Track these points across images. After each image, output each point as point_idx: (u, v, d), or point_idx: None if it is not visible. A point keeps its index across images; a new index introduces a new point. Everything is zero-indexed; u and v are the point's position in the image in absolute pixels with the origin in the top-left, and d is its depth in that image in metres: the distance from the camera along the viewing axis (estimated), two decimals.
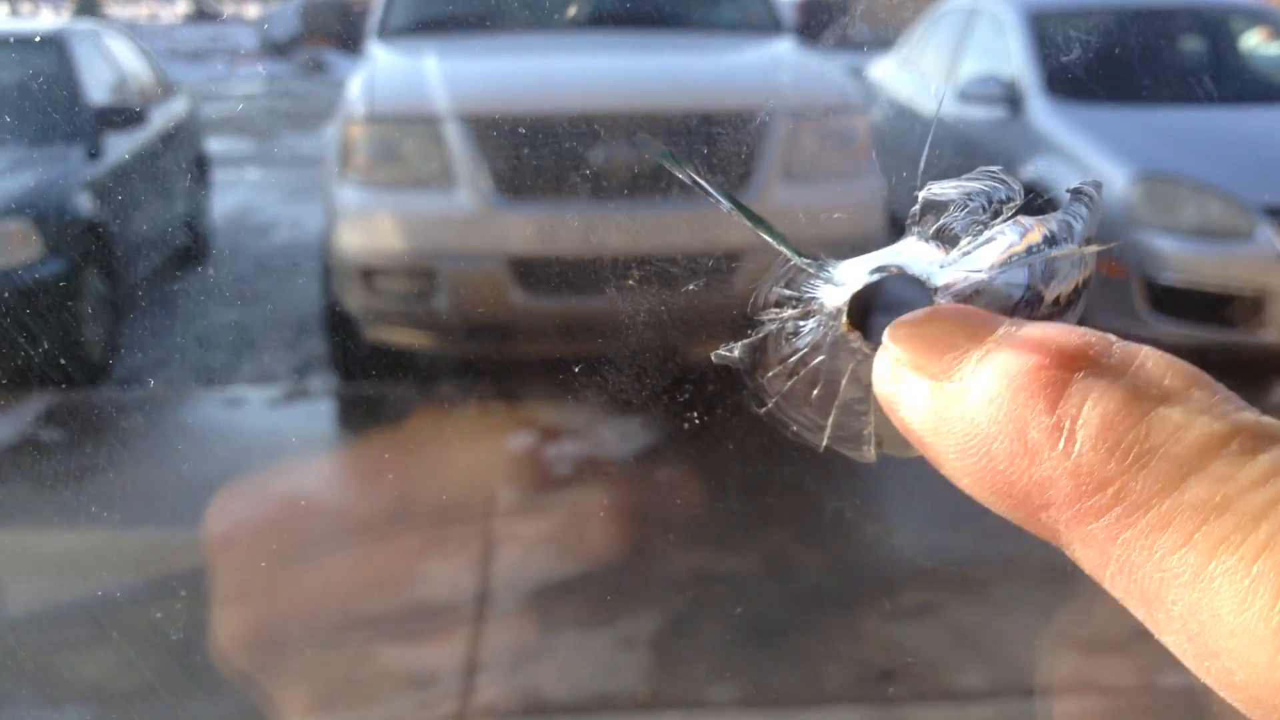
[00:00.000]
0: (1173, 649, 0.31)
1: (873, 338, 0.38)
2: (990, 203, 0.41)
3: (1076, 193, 0.41)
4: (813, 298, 0.40)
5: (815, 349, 0.40)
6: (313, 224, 4.62)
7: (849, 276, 0.39)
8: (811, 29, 4.74)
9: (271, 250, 5.39)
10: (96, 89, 4.75)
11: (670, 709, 2.61)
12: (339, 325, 3.97)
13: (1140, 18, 5.67)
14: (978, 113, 5.36)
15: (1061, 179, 4.74)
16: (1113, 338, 0.34)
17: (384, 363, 3.86)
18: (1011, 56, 5.28)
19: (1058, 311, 0.40)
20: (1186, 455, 0.31)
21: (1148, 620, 0.31)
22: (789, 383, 0.41)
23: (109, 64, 5.02)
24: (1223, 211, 4.45)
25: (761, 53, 4.68)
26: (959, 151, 5.59)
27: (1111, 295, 4.52)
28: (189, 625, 2.60)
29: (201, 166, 5.53)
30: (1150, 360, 0.33)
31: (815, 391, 0.41)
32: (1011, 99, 5.13)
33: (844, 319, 0.39)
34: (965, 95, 5.45)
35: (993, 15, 5.64)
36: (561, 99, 3.98)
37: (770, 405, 0.42)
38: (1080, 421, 0.32)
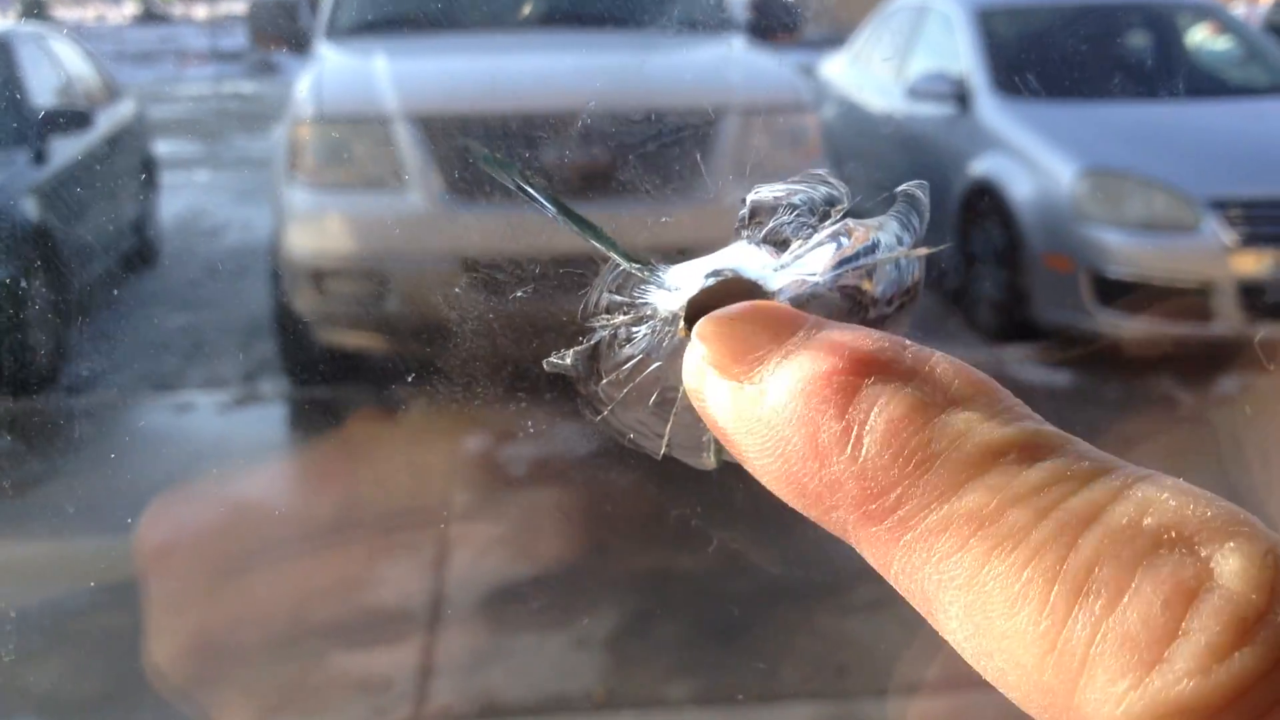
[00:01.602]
0: (953, 644, 0.32)
1: None
2: (817, 204, 0.41)
3: (903, 195, 0.42)
4: (645, 303, 0.40)
5: (650, 355, 0.40)
6: (263, 226, 4.58)
7: (682, 281, 0.39)
8: (762, 27, 4.75)
9: (221, 253, 5.35)
10: (42, 92, 4.69)
11: (626, 708, 2.61)
12: (290, 328, 3.94)
13: (1088, 14, 5.74)
14: (927, 110, 5.40)
15: (1012, 175, 4.78)
16: (907, 342, 0.35)
17: (336, 365, 3.84)
18: (960, 54, 5.32)
19: (891, 313, 0.40)
20: (965, 463, 0.32)
21: (929, 618, 0.33)
22: (624, 390, 0.41)
23: (54, 67, 4.96)
24: (1169, 205, 4.50)
25: (712, 51, 4.68)
26: (909, 149, 5.63)
27: (1059, 289, 4.56)
28: (141, 634, 2.57)
29: (149, 169, 5.48)
30: (940, 366, 0.34)
31: (651, 399, 0.40)
32: (960, 96, 5.17)
33: (681, 324, 0.39)
34: (915, 92, 5.49)
35: (942, 13, 5.67)
36: (512, 99, 3.97)
37: (605, 413, 0.41)
38: (867, 427, 0.33)
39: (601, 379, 0.41)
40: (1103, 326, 4.44)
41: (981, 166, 4.93)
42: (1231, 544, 0.29)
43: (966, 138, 5.09)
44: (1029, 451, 0.32)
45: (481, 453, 3.44)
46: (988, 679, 0.31)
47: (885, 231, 0.40)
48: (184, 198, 6.18)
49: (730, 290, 0.38)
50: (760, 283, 0.38)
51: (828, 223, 0.40)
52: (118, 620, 2.73)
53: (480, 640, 2.80)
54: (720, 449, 0.40)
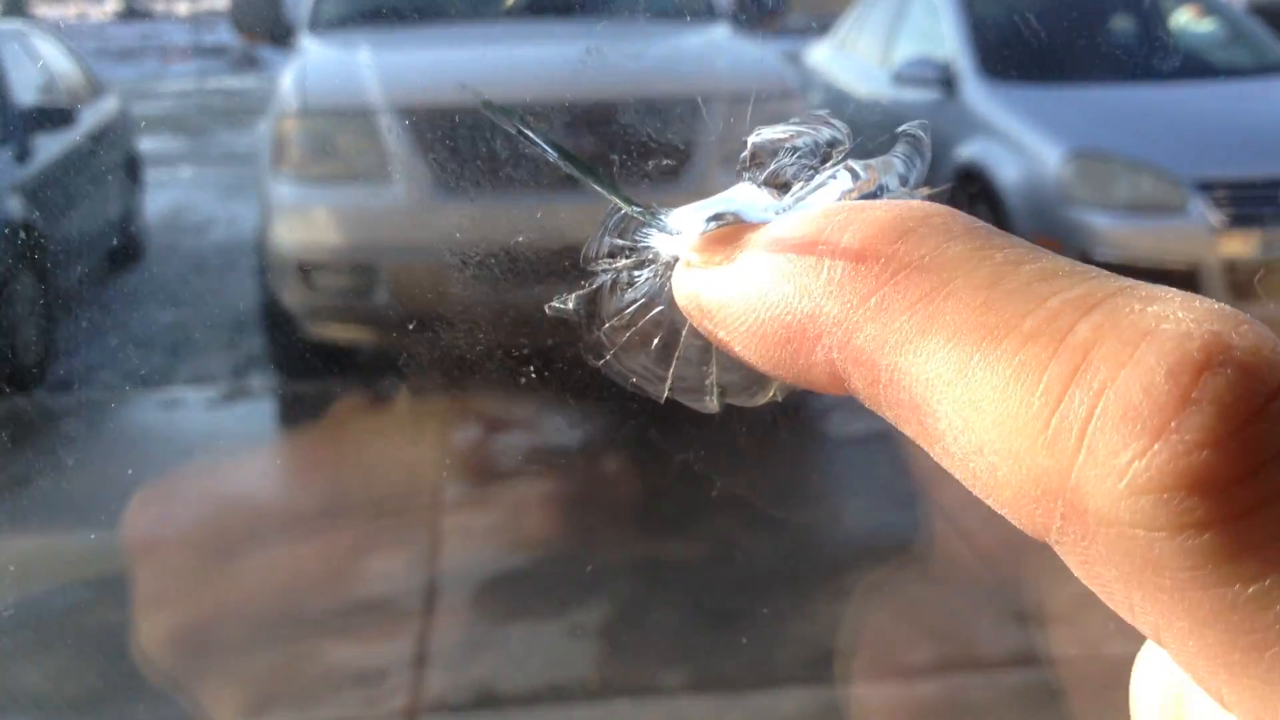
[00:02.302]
0: (941, 459, 0.31)
1: None
2: (819, 146, 0.41)
3: (905, 135, 0.41)
4: (647, 247, 0.40)
5: (652, 299, 0.40)
6: (249, 221, 4.57)
7: (683, 224, 0.38)
8: (747, 14, 4.75)
9: (207, 249, 5.33)
10: (24, 90, 4.67)
11: (621, 696, 2.61)
12: (278, 323, 3.93)
13: None
14: (913, 95, 5.40)
15: (999, 160, 4.79)
16: (882, 199, 0.34)
17: (324, 359, 3.83)
18: (945, 38, 5.32)
19: None
20: (948, 262, 0.30)
21: (920, 434, 0.31)
22: (626, 334, 0.40)
23: (36, 64, 4.94)
24: (1155, 187, 4.51)
25: (698, 39, 4.68)
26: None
27: None
28: (131, 631, 2.57)
29: (134, 166, 5.45)
30: (914, 201, 0.34)
31: (654, 342, 0.40)
32: (946, 80, 5.17)
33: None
34: (900, 78, 5.49)
35: None
36: (498, 89, 3.96)
37: (608, 357, 0.41)
38: (840, 248, 0.32)
39: (604, 323, 0.41)
40: None
41: (968, 151, 4.93)
42: (1244, 326, 0.27)
43: (953, 122, 5.09)
44: (1016, 254, 0.31)
45: (472, 443, 3.43)
46: (976, 489, 0.30)
47: (887, 172, 0.40)
48: (169, 194, 6.16)
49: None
50: (762, 223, 0.38)
51: (829, 164, 0.40)
52: (108, 617, 2.73)
53: (474, 630, 2.79)
54: (723, 391, 0.40)
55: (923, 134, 0.41)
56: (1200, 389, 0.26)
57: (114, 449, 3.65)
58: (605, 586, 2.90)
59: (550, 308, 0.41)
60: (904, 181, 0.40)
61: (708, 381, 0.40)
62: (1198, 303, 0.28)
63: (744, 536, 3.11)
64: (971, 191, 4.90)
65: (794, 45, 6.52)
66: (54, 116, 4.73)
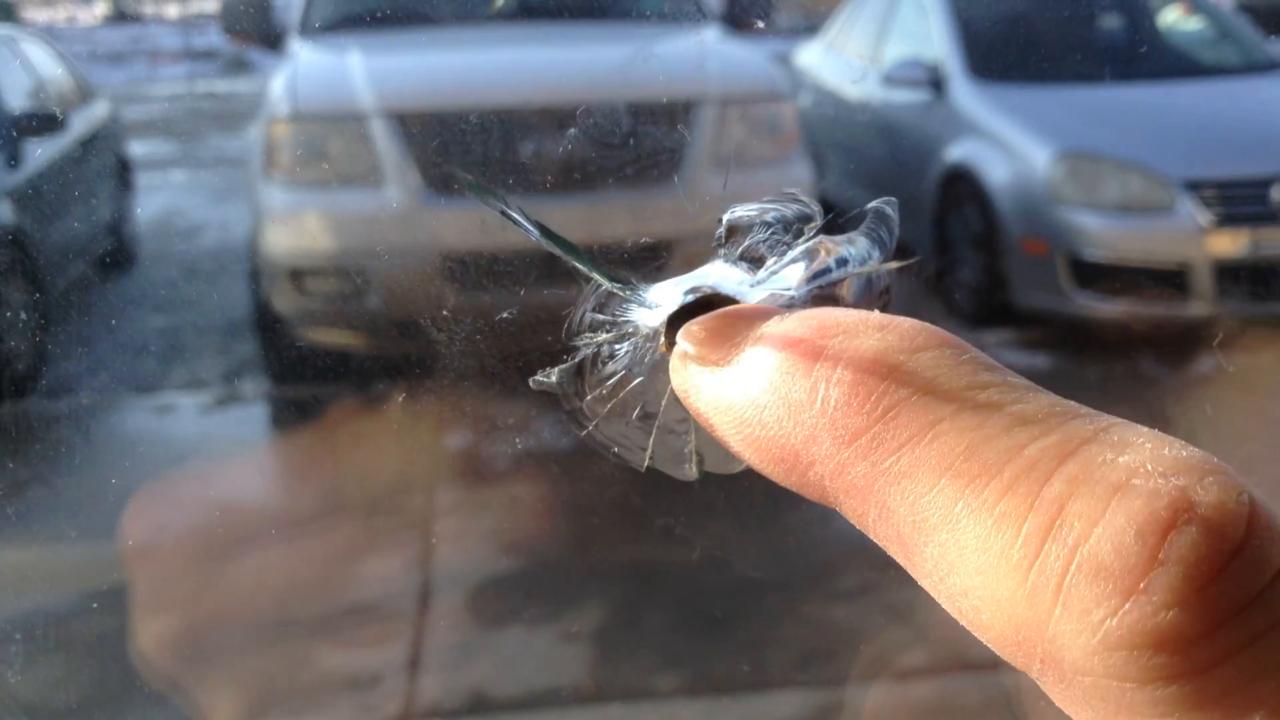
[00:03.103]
0: (929, 590, 0.32)
1: None
2: (791, 222, 0.42)
3: (873, 211, 0.43)
4: (627, 321, 0.41)
5: (632, 371, 0.41)
6: (240, 226, 4.56)
7: (661, 298, 0.40)
8: (736, 16, 4.75)
9: (199, 253, 5.32)
10: (13, 95, 4.66)
11: (615, 700, 2.61)
12: (270, 328, 3.93)
13: None
14: (903, 96, 5.41)
15: (988, 160, 4.80)
16: (876, 314, 0.35)
17: (317, 364, 3.83)
18: (934, 39, 5.33)
19: None
20: (935, 404, 0.32)
21: (907, 565, 0.33)
22: (608, 406, 0.42)
23: (26, 69, 4.93)
24: (1144, 187, 4.53)
25: (687, 42, 4.68)
26: (885, 135, 5.64)
27: (1037, 273, 4.58)
28: (126, 638, 2.57)
29: (124, 170, 5.45)
30: (906, 324, 0.35)
31: (634, 413, 0.41)
32: (935, 81, 5.18)
33: (661, 340, 0.40)
34: (890, 79, 5.50)
35: None
36: (489, 93, 3.96)
37: (590, 428, 0.42)
38: (834, 379, 0.33)
39: (586, 395, 0.42)
40: (1080, 309, 4.47)
41: (958, 152, 4.94)
42: (1210, 479, 0.29)
43: (942, 123, 5.10)
44: (1000, 392, 0.32)
45: (466, 447, 3.44)
46: (963, 622, 0.31)
47: (856, 246, 0.42)
48: (160, 198, 6.15)
49: (708, 305, 0.39)
50: (737, 297, 0.39)
51: (801, 239, 0.42)
52: (103, 625, 2.73)
53: (468, 634, 2.80)
54: (701, 460, 0.41)
55: (890, 210, 0.42)
56: (1167, 549, 0.28)
57: (106, 455, 3.65)
58: (598, 590, 2.90)
59: (534, 381, 0.42)
60: (871, 255, 0.41)
61: (687, 450, 0.41)
62: (1168, 450, 0.30)
63: (737, 539, 3.12)
64: (961, 192, 4.92)
65: (783, 46, 6.52)
66: (44, 121, 4.72)
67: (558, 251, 0.39)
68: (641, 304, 0.40)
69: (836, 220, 0.43)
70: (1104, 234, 4.46)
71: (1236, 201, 4.41)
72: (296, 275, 3.75)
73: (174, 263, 5.18)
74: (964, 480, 0.30)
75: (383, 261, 3.71)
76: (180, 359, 4.28)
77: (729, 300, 0.39)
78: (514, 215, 0.39)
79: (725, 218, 0.42)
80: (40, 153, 4.45)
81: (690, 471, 0.42)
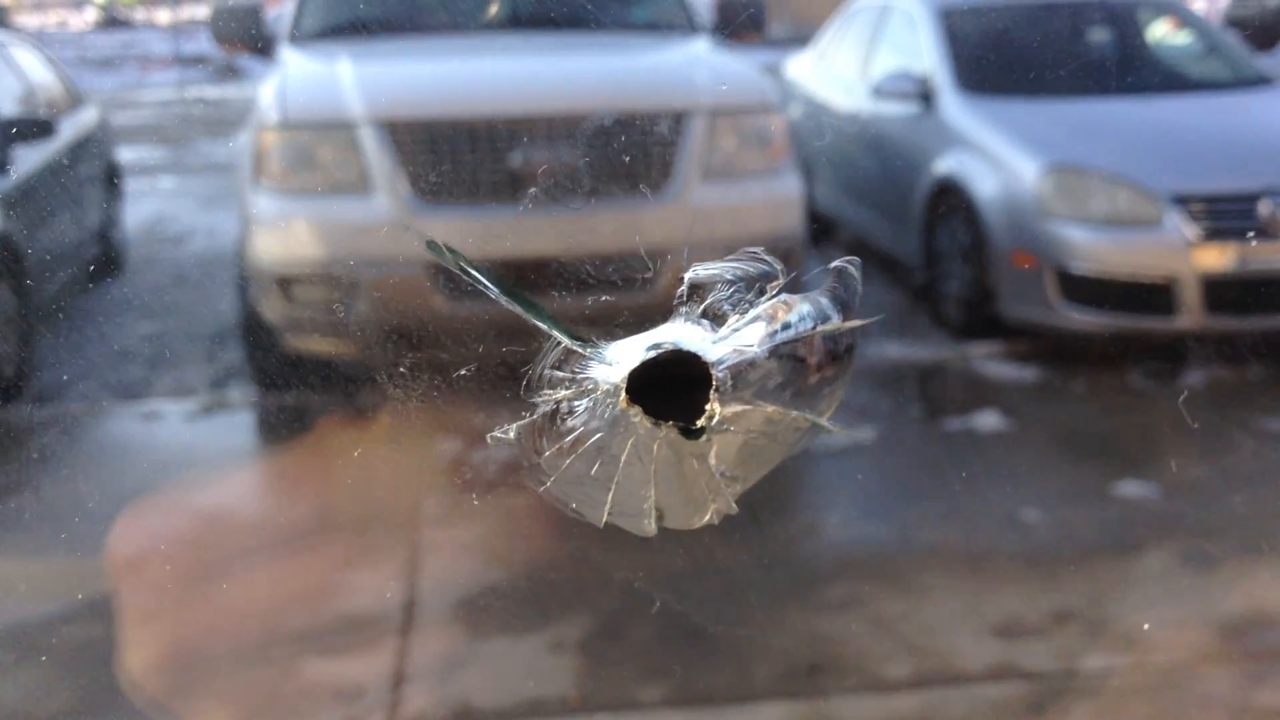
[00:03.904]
0: None
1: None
2: (753, 280, 0.42)
3: (835, 270, 0.43)
4: (586, 378, 0.41)
5: (592, 427, 0.41)
6: (229, 233, 4.56)
7: (621, 355, 0.40)
8: (727, 27, 4.76)
9: (187, 260, 5.31)
10: (3, 100, 4.66)
11: (600, 711, 2.61)
12: (257, 335, 3.92)
13: (1049, 12, 5.78)
14: (892, 109, 5.42)
15: (977, 173, 4.81)
16: None
17: (304, 372, 3.82)
18: (924, 52, 5.35)
19: (825, 381, 0.41)
20: None
21: None
22: (567, 461, 0.42)
23: (15, 75, 4.93)
24: (1132, 201, 4.54)
25: (678, 53, 4.69)
26: (874, 147, 5.65)
27: (1025, 286, 4.59)
28: (110, 647, 2.56)
29: (113, 176, 5.44)
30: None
31: (594, 469, 0.42)
32: (924, 94, 5.20)
33: (623, 396, 0.40)
34: (879, 91, 5.51)
35: (905, 12, 5.71)
36: (478, 102, 3.96)
37: (548, 484, 0.43)
38: None
39: (545, 450, 0.43)
40: (1068, 322, 4.48)
41: (946, 164, 4.96)
42: None
43: (931, 136, 5.12)
44: None
45: (452, 457, 3.43)
46: None
47: (817, 305, 0.42)
48: (149, 204, 6.14)
49: (670, 362, 0.40)
50: (699, 354, 0.39)
51: (763, 298, 0.42)
52: (86, 633, 2.72)
53: (454, 645, 2.79)
54: (661, 515, 0.41)
55: (853, 269, 0.42)
56: None
57: (92, 461, 3.64)
58: (584, 601, 2.90)
59: (492, 437, 0.42)
60: (833, 314, 0.41)
61: (646, 505, 0.41)
62: None
63: (722, 551, 3.12)
64: (950, 205, 4.93)
65: (774, 57, 6.54)
66: (33, 127, 4.72)
67: (518, 310, 0.40)
68: (601, 361, 0.40)
69: (798, 279, 0.43)
70: (1092, 247, 4.48)
71: (1223, 216, 4.43)
72: (285, 283, 3.74)
73: (162, 269, 5.17)
74: None
75: (370, 269, 3.70)
76: (167, 366, 4.27)
77: (690, 357, 0.39)
78: (474, 274, 0.40)
79: (687, 276, 0.42)
80: (29, 158, 4.44)
81: (649, 527, 0.42)
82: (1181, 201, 4.41)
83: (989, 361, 4.62)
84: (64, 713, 2.51)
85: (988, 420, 4.05)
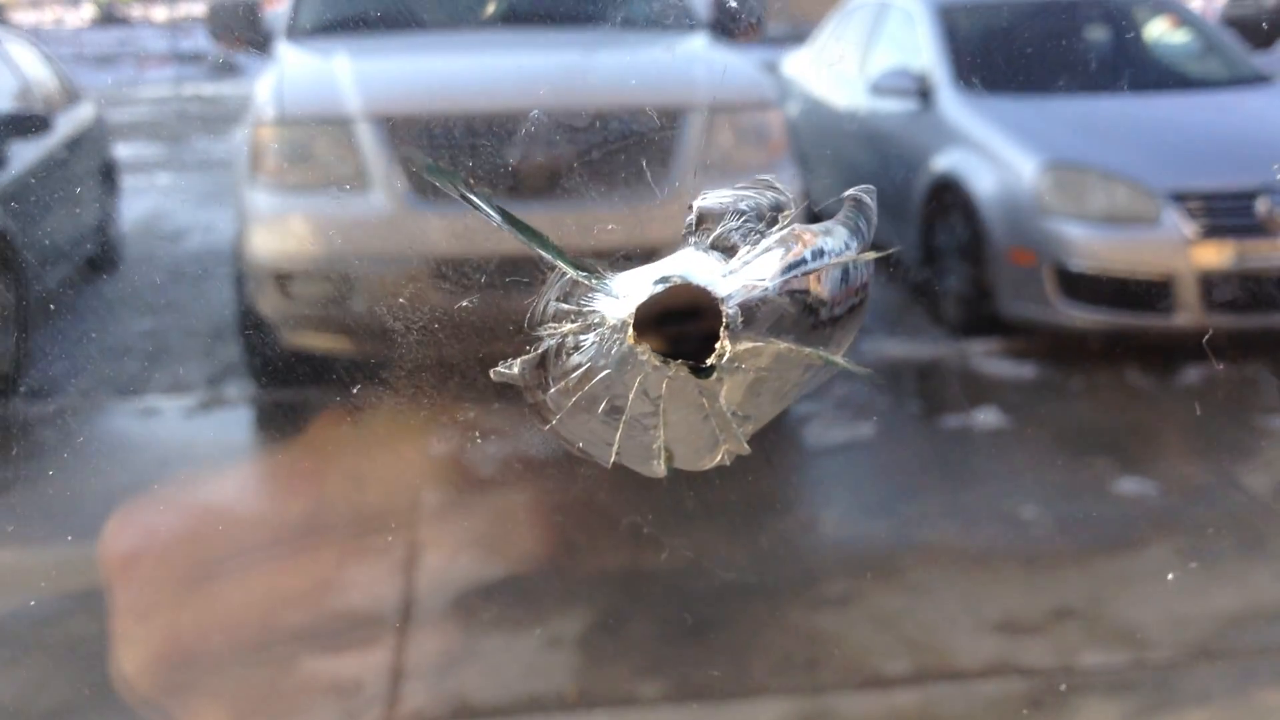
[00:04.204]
0: None
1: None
2: (764, 211, 0.41)
3: (851, 200, 0.42)
4: (593, 311, 0.40)
5: (598, 363, 0.40)
6: (226, 229, 4.55)
7: (629, 288, 0.38)
8: (725, 24, 4.75)
9: (184, 256, 5.30)
10: None
11: (598, 707, 2.61)
12: (254, 331, 3.91)
13: (1047, 9, 5.77)
14: (890, 105, 5.42)
15: (975, 170, 4.81)
16: None
17: (301, 368, 3.81)
18: (922, 49, 5.35)
19: (841, 314, 0.40)
20: None
21: None
22: (573, 399, 0.40)
23: (11, 70, 4.91)
24: (1130, 198, 4.54)
25: (676, 49, 4.68)
26: (872, 145, 5.65)
27: (1023, 283, 4.59)
28: (105, 642, 2.55)
29: (110, 173, 5.43)
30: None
31: (601, 407, 0.40)
32: (923, 91, 5.19)
33: (630, 332, 0.38)
34: (877, 88, 5.51)
35: (903, 9, 5.70)
36: (476, 98, 3.95)
37: (554, 422, 0.41)
38: None
39: (550, 388, 0.41)
40: (1066, 319, 4.48)
41: (944, 161, 4.95)
42: None
43: (929, 133, 5.11)
44: None
45: (450, 454, 3.43)
46: None
47: (832, 237, 0.40)
48: (145, 201, 6.13)
49: (679, 296, 0.38)
50: (709, 288, 0.38)
51: (775, 228, 0.41)
52: (81, 628, 2.71)
53: (451, 641, 2.79)
54: (671, 456, 0.40)
55: (868, 199, 0.41)
56: None
57: (89, 457, 3.63)
58: (583, 597, 2.90)
59: (495, 372, 0.41)
60: (848, 246, 0.40)
61: (655, 446, 0.40)
62: None
63: (721, 547, 3.11)
64: (948, 202, 4.92)
65: (772, 54, 6.53)
66: (29, 123, 4.71)
67: (521, 238, 0.39)
68: (608, 294, 0.39)
69: (811, 209, 0.42)
70: (1090, 244, 4.47)
71: (1222, 213, 4.43)
72: (282, 279, 3.73)
73: (159, 265, 5.16)
74: None
75: (368, 265, 3.70)
76: (164, 362, 4.27)
77: (700, 291, 0.38)
78: (475, 200, 0.39)
79: (695, 204, 0.41)
80: (26, 154, 4.43)
81: (658, 468, 0.41)
82: (1180, 199, 4.41)
83: (987, 358, 4.62)
84: (58, 709, 2.51)
85: (986, 417, 4.05)
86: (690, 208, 0.40)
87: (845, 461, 3.75)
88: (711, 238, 0.39)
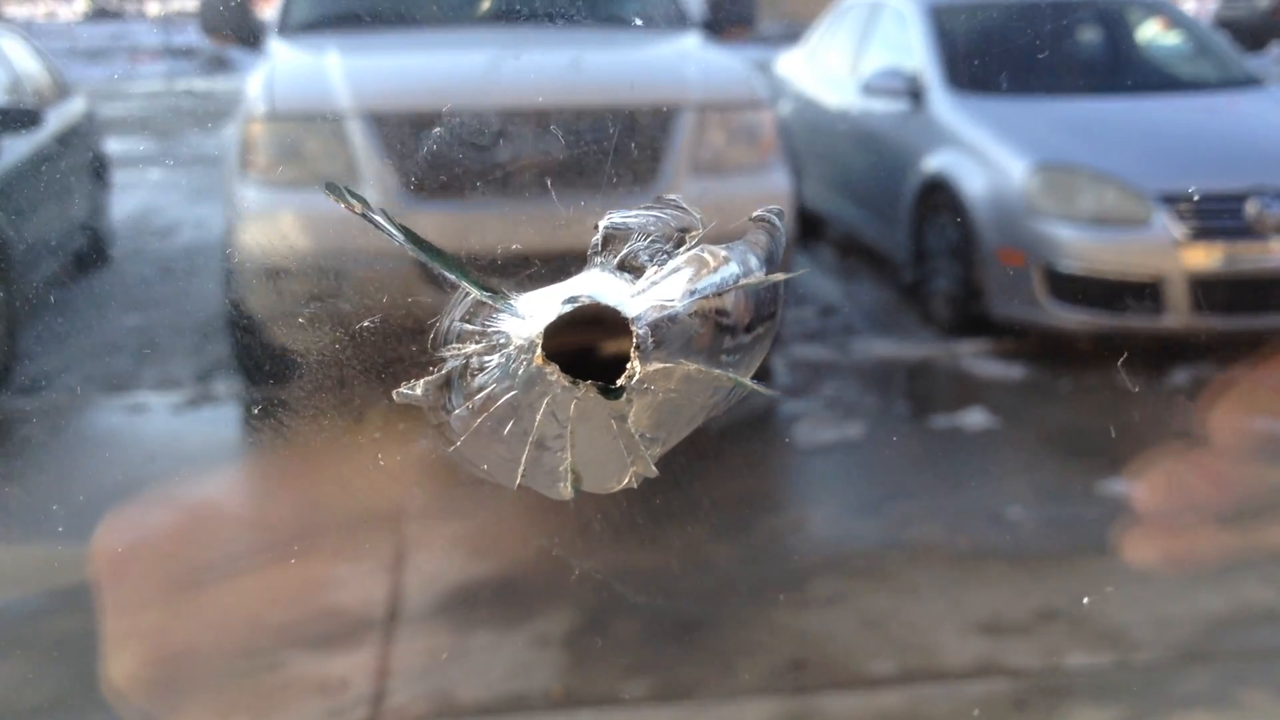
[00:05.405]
0: None
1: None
2: (672, 231, 0.41)
3: (759, 220, 0.42)
4: (498, 331, 0.40)
5: (503, 384, 0.40)
6: (216, 225, 4.54)
7: (535, 308, 0.38)
8: (717, 23, 4.75)
9: (174, 252, 5.29)
10: None
11: (584, 707, 2.61)
12: (244, 328, 3.90)
13: (1040, 10, 5.78)
14: (881, 106, 5.42)
15: (965, 171, 4.81)
16: None
17: (290, 365, 3.80)
18: (914, 50, 5.35)
19: (752, 337, 0.40)
20: None
21: None
22: (477, 420, 0.40)
23: (2, 64, 4.90)
24: (1120, 199, 4.55)
25: (668, 48, 4.68)
26: (863, 145, 5.65)
27: (1013, 284, 4.60)
28: (93, 638, 2.54)
29: (100, 167, 5.41)
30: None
31: (507, 429, 0.40)
32: (914, 92, 5.20)
33: (538, 353, 0.38)
34: (869, 88, 5.51)
35: (895, 9, 5.70)
36: (467, 95, 3.95)
37: (458, 444, 0.41)
38: None
39: (454, 409, 0.41)
40: (1055, 320, 4.48)
41: (935, 162, 4.96)
42: None
43: (920, 133, 5.12)
44: None
45: (438, 453, 3.42)
46: None
47: (741, 258, 0.40)
48: (136, 196, 6.12)
49: (587, 316, 0.38)
50: (617, 308, 0.38)
51: (683, 249, 0.40)
52: (69, 625, 2.70)
53: (437, 641, 2.79)
54: (579, 478, 0.40)
55: (778, 220, 0.41)
56: None
57: (77, 453, 3.62)
58: (568, 596, 2.89)
59: (398, 394, 0.41)
60: (758, 267, 0.40)
61: (562, 468, 0.39)
62: None
63: (708, 546, 3.11)
64: (938, 202, 4.93)
65: (764, 54, 6.54)
66: (20, 117, 4.69)
67: (423, 257, 0.38)
68: (513, 314, 0.38)
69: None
70: (1079, 246, 4.48)
71: (1211, 215, 4.43)
72: (271, 275, 3.72)
73: (149, 261, 5.15)
74: None
75: (358, 262, 3.68)
76: (153, 358, 4.26)
77: (608, 312, 0.37)
78: (377, 219, 0.39)
79: (601, 224, 0.41)
80: (16, 149, 4.42)
81: (565, 491, 0.40)
82: (1170, 201, 4.42)
83: (976, 359, 4.62)
84: (44, 706, 2.50)
85: (974, 418, 4.05)
86: (596, 227, 0.40)
87: (833, 461, 3.75)
88: (619, 258, 0.39)
